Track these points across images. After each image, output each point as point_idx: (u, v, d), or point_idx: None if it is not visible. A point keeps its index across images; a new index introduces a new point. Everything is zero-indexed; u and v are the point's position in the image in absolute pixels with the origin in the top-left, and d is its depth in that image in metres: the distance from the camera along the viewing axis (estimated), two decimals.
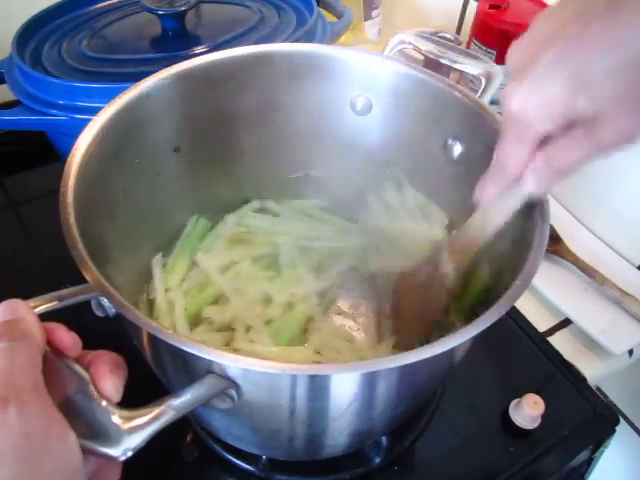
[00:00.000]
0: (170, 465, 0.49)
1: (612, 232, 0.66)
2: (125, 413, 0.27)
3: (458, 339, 0.30)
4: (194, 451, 0.50)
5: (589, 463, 0.56)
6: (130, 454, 0.27)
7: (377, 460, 0.49)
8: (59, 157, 0.62)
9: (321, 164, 0.59)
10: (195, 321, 0.51)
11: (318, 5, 0.68)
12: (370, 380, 0.33)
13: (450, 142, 0.49)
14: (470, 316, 0.37)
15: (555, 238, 0.64)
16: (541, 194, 0.36)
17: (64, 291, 0.31)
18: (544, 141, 0.32)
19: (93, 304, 0.33)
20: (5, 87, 0.61)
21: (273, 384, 0.32)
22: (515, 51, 0.31)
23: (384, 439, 0.50)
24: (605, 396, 0.62)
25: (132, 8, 0.70)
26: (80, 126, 0.41)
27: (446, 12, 0.84)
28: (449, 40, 0.71)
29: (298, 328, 0.51)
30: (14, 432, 0.23)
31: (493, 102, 0.50)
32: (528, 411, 0.50)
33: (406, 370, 0.32)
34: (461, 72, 0.55)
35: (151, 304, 0.51)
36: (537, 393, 0.51)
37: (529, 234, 0.37)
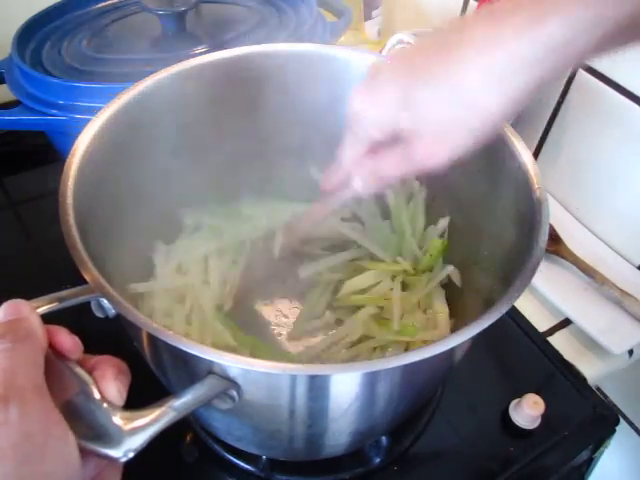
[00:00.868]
0: (170, 465, 0.49)
1: (612, 232, 0.66)
2: (126, 414, 0.27)
3: (458, 339, 0.30)
4: (194, 451, 0.50)
5: (589, 463, 0.56)
6: (131, 455, 0.27)
7: (377, 460, 0.50)
8: (59, 157, 0.62)
9: (320, 164, 0.59)
10: None
11: (318, 5, 0.68)
12: (370, 380, 0.33)
13: None
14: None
15: (555, 238, 0.64)
16: (365, 195, 0.41)
17: (64, 292, 0.31)
18: (375, 151, 0.36)
19: (93, 305, 0.33)
20: (5, 87, 0.61)
21: (273, 384, 0.32)
22: (376, 62, 0.37)
23: (384, 439, 0.50)
24: (605, 396, 0.62)
25: (132, 8, 0.70)
26: (80, 126, 0.41)
27: (446, 12, 0.84)
28: None
29: None
30: (15, 431, 0.23)
31: None
32: (528, 411, 0.50)
33: (406, 370, 0.33)
34: None
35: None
36: (537, 393, 0.51)
37: (529, 234, 0.37)
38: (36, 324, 0.28)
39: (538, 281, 0.61)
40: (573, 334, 0.60)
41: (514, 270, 0.36)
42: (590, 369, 0.57)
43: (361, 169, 0.38)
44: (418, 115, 0.32)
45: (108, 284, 0.32)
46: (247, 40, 0.63)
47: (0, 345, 0.25)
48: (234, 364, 0.29)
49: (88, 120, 0.42)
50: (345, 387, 0.33)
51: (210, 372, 0.30)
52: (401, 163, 0.35)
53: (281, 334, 0.54)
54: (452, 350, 0.30)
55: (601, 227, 0.67)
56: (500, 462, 0.50)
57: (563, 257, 0.63)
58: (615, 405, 0.64)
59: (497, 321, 0.31)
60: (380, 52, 0.74)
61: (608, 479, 0.75)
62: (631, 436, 0.73)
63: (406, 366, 0.29)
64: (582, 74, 0.63)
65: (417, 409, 0.51)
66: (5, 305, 0.28)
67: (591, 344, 0.58)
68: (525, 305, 0.62)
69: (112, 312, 0.33)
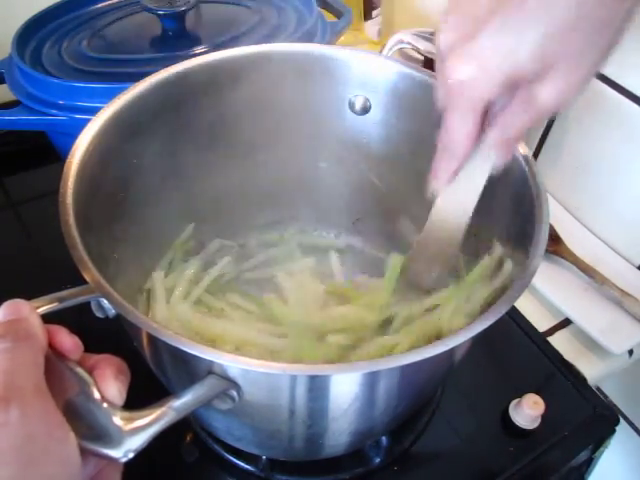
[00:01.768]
0: (170, 465, 0.49)
1: (612, 232, 0.66)
2: (126, 414, 0.27)
3: (458, 339, 0.30)
4: (194, 451, 0.50)
5: (589, 463, 0.56)
6: (131, 455, 0.27)
7: (377, 460, 0.50)
8: (59, 157, 0.62)
9: (319, 163, 0.59)
10: None
11: (318, 5, 0.68)
12: (370, 380, 0.33)
13: None
14: None
15: (555, 238, 0.64)
16: (505, 164, 0.37)
17: (64, 292, 0.31)
18: (486, 115, 0.33)
19: (93, 305, 0.33)
20: (5, 87, 0.61)
21: (274, 384, 0.32)
22: (448, 34, 0.32)
23: (384, 439, 0.50)
24: (605, 396, 0.62)
25: (132, 8, 0.70)
26: (80, 126, 0.41)
27: None
28: None
29: None
30: (16, 433, 0.23)
31: None
32: (528, 411, 0.50)
33: (406, 370, 0.33)
34: None
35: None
36: (537, 393, 0.51)
37: (529, 234, 0.37)
38: (36, 324, 0.28)
39: (538, 281, 0.61)
40: (573, 334, 0.60)
41: (514, 270, 0.36)
42: (590, 369, 0.57)
43: (491, 141, 0.34)
44: (536, 55, 0.29)
45: (108, 284, 0.32)
46: (247, 40, 0.63)
47: (0, 345, 0.25)
48: (234, 364, 0.29)
49: (88, 120, 0.42)
50: (345, 387, 0.33)
51: (210, 372, 0.30)
52: (526, 113, 0.32)
53: None
54: (452, 350, 0.30)
55: (601, 227, 0.67)
56: (500, 462, 0.50)
57: (563, 257, 0.63)
58: (615, 405, 0.64)
59: (497, 321, 0.31)
60: (380, 52, 0.74)
61: (608, 479, 0.75)
62: (631, 436, 0.73)
63: (406, 366, 0.29)
64: None
65: (417, 409, 0.51)
66: (5, 305, 0.28)
67: (591, 344, 0.58)
68: (525, 305, 0.62)
69: (112, 312, 0.33)
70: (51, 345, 0.28)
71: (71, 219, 0.35)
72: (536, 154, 0.72)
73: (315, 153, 0.58)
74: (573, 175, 0.69)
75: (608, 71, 0.60)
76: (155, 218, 0.52)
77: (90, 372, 0.28)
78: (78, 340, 0.29)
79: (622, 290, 0.59)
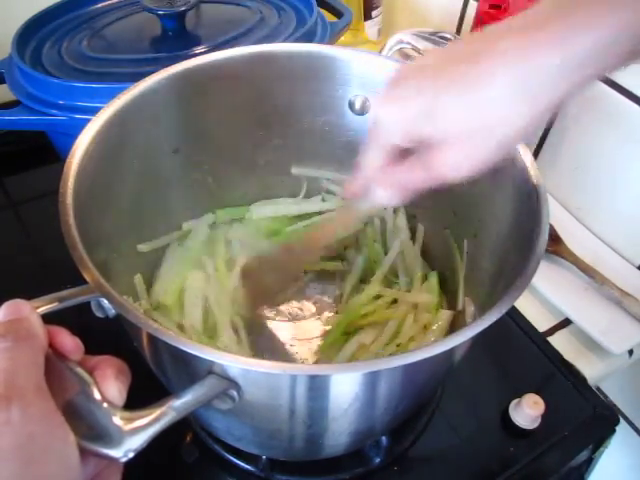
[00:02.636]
0: (170, 465, 0.49)
1: (612, 232, 0.66)
2: (126, 414, 0.27)
3: (458, 339, 0.30)
4: (194, 451, 0.50)
5: (589, 463, 0.56)
6: (131, 455, 0.27)
7: (377, 460, 0.49)
8: (59, 157, 0.62)
9: (319, 163, 0.59)
10: None
11: (318, 5, 0.68)
12: (370, 380, 0.33)
13: None
14: None
15: (555, 238, 0.64)
16: (388, 205, 0.41)
17: (64, 292, 0.31)
18: (397, 160, 0.36)
19: (93, 305, 0.33)
20: (5, 87, 0.61)
21: (274, 384, 0.32)
22: (399, 69, 0.34)
23: (384, 439, 0.50)
24: (605, 396, 0.62)
25: (132, 8, 0.70)
26: (80, 126, 0.41)
27: (446, 12, 0.84)
28: (449, 40, 0.71)
29: None
30: (17, 432, 0.23)
31: None
32: (528, 411, 0.50)
33: (406, 370, 0.33)
34: None
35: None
36: (537, 393, 0.51)
37: (529, 234, 0.37)
38: (36, 324, 0.28)
39: (538, 281, 0.61)
40: (573, 334, 0.60)
41: (514, 270, 0.36)
42: (590, 369, 0.57)
43: (383, 178, 0.37)
44: (444, 124, 0.31)
45: (108, 284, 0.32)
46: (247, 40, 0.63)
47: (0, 345, 0.25)
48: (234, 364, 0.29)
49: (88, 120, 0.42)
50: (345, 387, 0.33)
51: (210, 372, 0.30)
52: (423, 174, 0.34)
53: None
54: (452, 350, 0.30)
55: (601, 227, 0.67)
56: (500, 462, 0.50)
57: (563, 257, 0.63)
58: (615, 405, 0.64)
59: (497, 321, 0.31)
60: (380, 52, 0.74)
61: (608, 479, 0.75)
62: (631, 436, 0.73)
63: (406, 366, 0.29)
64: None
65: (417, 409, 0.51)
66: (5, 305, 0.28)
67: (591, 344, 0.58)
68: (525, 305, 0.62)
69: (112, 312, 0.33)
70: (52, 346, 0.28)
71: (71, 219, 0.35)
72: (536, 154, 0.72)
73: (315, 153, 0.58)
74: (573, 175, 0.69)
75: None
76: (155, 218, 0.52)
77: (91, 373, 0.28)
78: (79, 341, 0.29)
79: (622, 290, 0.59)
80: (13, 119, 0.58)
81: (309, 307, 0.57)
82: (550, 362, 0.57)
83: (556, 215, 0.69)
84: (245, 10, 0.69)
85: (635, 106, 0.59)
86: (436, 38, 0.59)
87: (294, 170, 0.60)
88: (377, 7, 0.90)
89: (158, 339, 0.29)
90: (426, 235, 0.58)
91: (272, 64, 0.51)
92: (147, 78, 0.46)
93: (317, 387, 0.33)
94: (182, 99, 0.49)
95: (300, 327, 0.55)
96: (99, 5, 0.71)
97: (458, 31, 0.86)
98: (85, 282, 0.32)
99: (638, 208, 0.63)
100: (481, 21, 0.72)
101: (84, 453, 0.25)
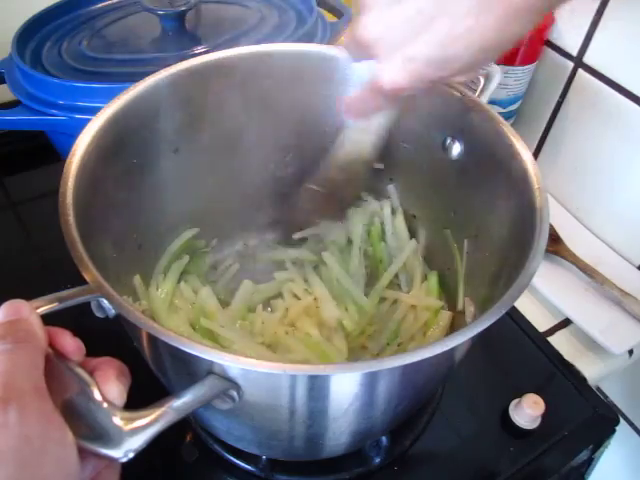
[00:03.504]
0: (170, 465, 0.49)
1: (612, 232, 0.66)
2: (126, 414, 0.27)
3: (458, 339, 0.30)
4: (194, 451, 0.50)
5: (589, 463, 0.56)
6: (131, 455, 0.27)
7: (377, 460, 0.49)
8: (59, 157, 0.62)
9: (319, 163, 0.59)
10: None
11: (318, 5, 0.68)
12: (370, 380, 0.33)
13: (449, 141, 0.49)
14: None
15: (555, 238, 0.64)
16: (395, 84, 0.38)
17: (64, 292, 0.31)
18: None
19: (93, 305, 0.33)
20: (5, 87, 0.61)
21: (274, 384, 0.32)
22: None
23: (384, 439, 0.50)
24: (605, 396, 0.62)
25: (132, 8, 0.70)
26: (80, 126, 0.41)
27: None
28: None
29: None
30: (14, 434, 0.23)
31: (492, 102, 0.50)
32: (528, 411, 0.50)
33: (406, 370, 0.33)
34: None
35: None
36: (537, 393, 0.51)
37: (529, 234, 0.37)
38: (36, 325, 0.28)
39: (538, 281, 0.61)
40: (573, 334, 0.60)
41: (514, 270, 0.36)
42: (590, 369, 0.57)
43: (385, 46, 0.36)
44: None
45: (108, 284, 0.32)
46: (247, 40, 0.63)
47: (0, 346, 0.25)
48: (234, 364, 0.29)
49: (88, 120, 0.42)
50: (345, 387, 0.33)
51: (210, 372, 0.30)
52: (428, 45, 0.33)
53: None
54: (452, 350, 0.30)
55: (601, 227, 0.67)
56: (500, 462, 0.50)
57: (563, 257, 0.63)
58: (615, 405, 0.64)
59: (497, 321, 0.31)
60: None
61: (608, 479, 0.75)
62: (631, 436, 0.73)
63: (406, 366, 0.29)
64: (582, 74, 0.63)
65: (417, 409, 0.51)
66: (5, 305, 0.28)
67: (591, 344, 0.58)
68: (525, 305, 0.62)
69: (112, 312, 0.33)
70: (53, 346, 0.28)
71: (71, 219, 0.35)
72: (536, 154, 0.72)
73: (315, 153, 0.58)
74: (573, 175, 0.69)
75: (607, 71, 0.60)
76: (155, 218, 0.52)
77: (91, 374, 0.28)
78: (81, 343, 0.29)
79: (622, 290, 0.59)
80: (13, 119, 0.58)
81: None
82: (550, 362, 0.57)
83: (556, 215, 0.69)
84: (245, 10, 0.69)
85: (635, 106, 0.59)
86: None
87: (292, 170, 0.60)
88: None
89: (158, 339, 0.29)
90: (426, 235, 0.58)
91: (272, 64, 0.51)
92: (147, 78, 0.46)
93: (317, 387, 0.33)
94: (182, 99, 0.49)
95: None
96: (99, 5, 0.71)
97: None
98: (85, 282, 0.32)
99: (638, 208, 0.63)
100: None
101: (83, 454, 0.25)
